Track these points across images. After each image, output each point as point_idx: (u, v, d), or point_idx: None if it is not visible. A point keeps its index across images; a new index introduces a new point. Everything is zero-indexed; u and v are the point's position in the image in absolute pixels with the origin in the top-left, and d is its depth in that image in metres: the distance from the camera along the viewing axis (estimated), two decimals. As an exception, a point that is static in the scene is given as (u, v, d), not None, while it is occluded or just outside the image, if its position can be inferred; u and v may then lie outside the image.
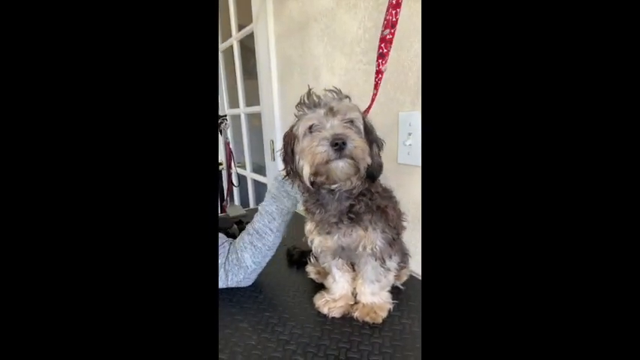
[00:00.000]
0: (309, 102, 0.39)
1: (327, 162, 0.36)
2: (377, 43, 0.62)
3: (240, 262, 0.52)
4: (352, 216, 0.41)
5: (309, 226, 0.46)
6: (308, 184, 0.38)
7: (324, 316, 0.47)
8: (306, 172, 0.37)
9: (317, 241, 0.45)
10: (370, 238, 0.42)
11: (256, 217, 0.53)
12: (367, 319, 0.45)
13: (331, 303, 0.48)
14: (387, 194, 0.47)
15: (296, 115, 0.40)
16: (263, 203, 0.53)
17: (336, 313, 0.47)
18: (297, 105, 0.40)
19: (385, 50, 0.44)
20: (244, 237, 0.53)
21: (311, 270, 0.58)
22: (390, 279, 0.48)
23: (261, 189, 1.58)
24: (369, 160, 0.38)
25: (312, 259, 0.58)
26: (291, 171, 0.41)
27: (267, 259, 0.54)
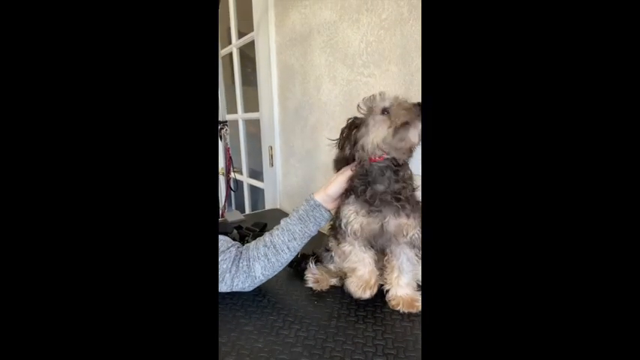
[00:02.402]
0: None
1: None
2: (378, 56, 0.65)
3: (250, 271, 0.52)
4: (399, 197, 0.46)
5: (351, 207, 0.49)
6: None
7: (328, 319, 0.49)
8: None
9: (359, 222, 0.48)
10: (412, 224, 0.47)
11: (276, 232, 0.53)
12: (413, 310, 0.49)
13: (366, 285, 0.51)
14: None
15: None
16: (287, 220, 0.53)
17: (374, 292, 0.52)
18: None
19: None
20: (259, 247, 0.52)
21: (309, 278, 0.58)
22: (419, 269, 0.51)
23: (257, 194, 1.58)
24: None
25: (311, 264, 0.59)
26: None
27: (275, 274, 0.54)
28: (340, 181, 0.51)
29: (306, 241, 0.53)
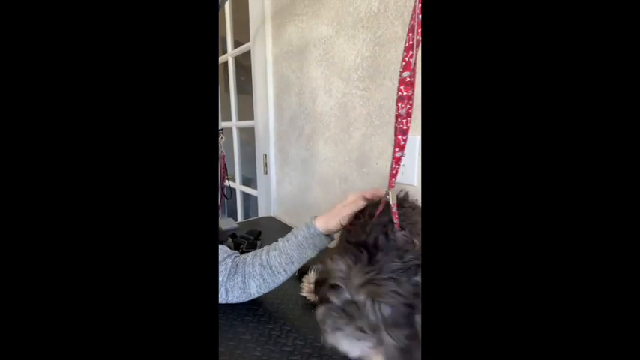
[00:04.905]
0: None
1: None
2: (373, 71, 0.68)
3: (245, 288, 0.51)
4: None
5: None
6: None
7: (325, 327, 0.50)
8: None
9: None
10: None
11: (274, 252, 0.51)
12: None
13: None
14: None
15: None
16: (286, 243, 0.51)
17: None
18: None
19: (405, 93, 0.39)
20: (255, 266, 0.51)
21: (305, 287, 0.58)
22: None
23: (248, 202, 1.58)
24: None
25: (310, 272, 0.60)
26: None
27: (269, 291, 0.54)
28: (344, 216, 0.47)
29: (303, 262, 0.52)
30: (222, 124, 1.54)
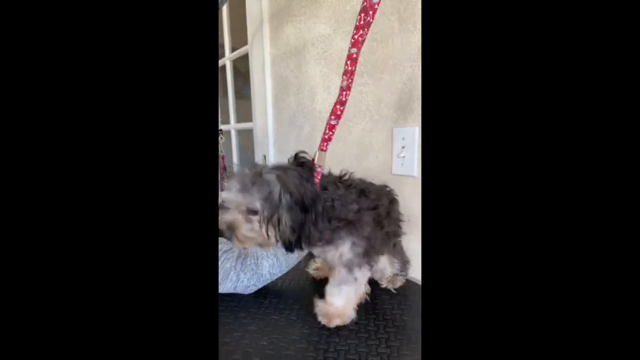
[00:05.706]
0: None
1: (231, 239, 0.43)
2: (371, 67, 0.69)
3: (257, 269, 0.54)
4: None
5: None
6: None
7: (331, 316, 0.50)
8: None
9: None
10: (339, 251, 0.45)
11: None
12: (328, 322, 0.47)
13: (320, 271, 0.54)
14: (371, 204, 0.48)
15: None
16: None
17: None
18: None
19: (350, 68, 0.41)
20: None
21: (310, 265, 0.63)
22: (359, 290, 0.49)
23: (248, 204, 1.58)
24: (270, 239, 0.41)
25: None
26: None
27: (280, 275, 0.56)
28: None
29: None
30: (220, 127, 1.55)
